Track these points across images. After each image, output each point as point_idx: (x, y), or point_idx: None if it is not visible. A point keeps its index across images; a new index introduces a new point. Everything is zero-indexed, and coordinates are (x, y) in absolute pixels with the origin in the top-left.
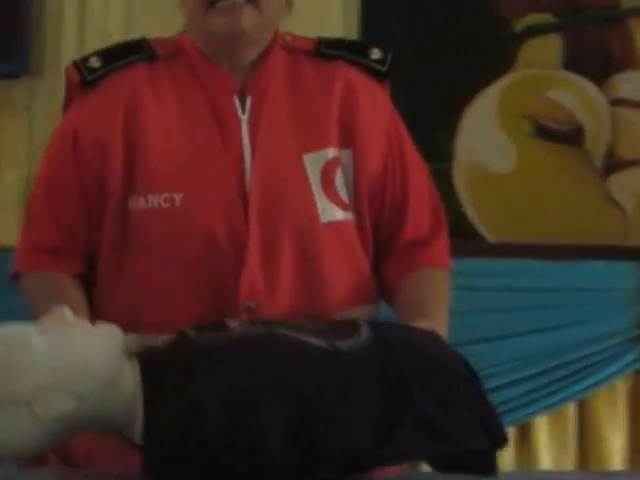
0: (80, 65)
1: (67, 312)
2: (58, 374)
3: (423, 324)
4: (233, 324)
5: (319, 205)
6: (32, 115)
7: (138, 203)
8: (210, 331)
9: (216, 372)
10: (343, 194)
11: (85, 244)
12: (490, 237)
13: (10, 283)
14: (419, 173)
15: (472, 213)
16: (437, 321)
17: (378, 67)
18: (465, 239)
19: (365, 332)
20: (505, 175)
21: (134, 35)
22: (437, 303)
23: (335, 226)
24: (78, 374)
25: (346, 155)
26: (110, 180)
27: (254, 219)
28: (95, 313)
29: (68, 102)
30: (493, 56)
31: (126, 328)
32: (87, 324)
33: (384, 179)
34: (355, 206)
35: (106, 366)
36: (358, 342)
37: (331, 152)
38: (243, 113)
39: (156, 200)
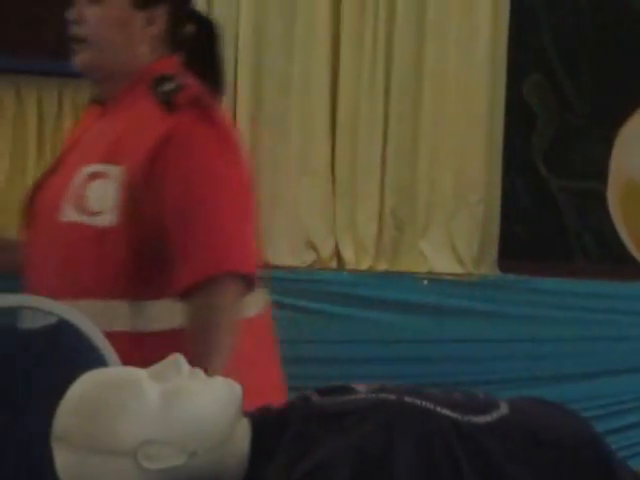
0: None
1: (181, 359)
2: (170, 428)
3: None
4: (360, 387)
5: (64, 207)
6: None
7: None
8: (335, 395)
9: (338, 438)
10: (93, 203)
11: None
12: None
13: None
14: (178, 198)
15: (625, 234)
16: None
17: (166, 100)
18: (618, 262)
19: (504, 410)
20: None
21: (266, 38)
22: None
23: (73, 226)
24: (192, 430)
25: (115, 170)
26: None
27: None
28: None
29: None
30: None
31: None
32: (202, 375)
33: (143, 197)
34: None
35: (222, 424)
36: (492, 419)
37: (95, 167)
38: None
39: None
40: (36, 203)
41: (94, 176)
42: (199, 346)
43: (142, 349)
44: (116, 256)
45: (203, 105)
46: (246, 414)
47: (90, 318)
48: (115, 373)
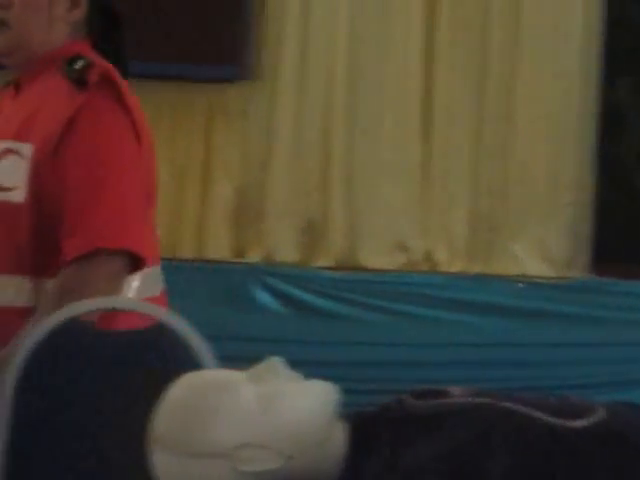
0: None
1: (280, 364)
2: (267, 431)
3: None
4: (455, 392)
5: None
6: (248, 122)
7: None
8: (429, 398)
9: (433, 441)
10: (5, 178)
11: None
12: None
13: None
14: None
15: None
16: None
17: (76, 78)
18: None
19: (600, 415)
20: None
21: (362, 40)
22: None
23: (9, 204)
24: (289, 434)
25: (26, 147)
26: None
27: None
28: None
29: None
30: None
31: None
32: (299, 378)
33: (48, 174)
34: (29, 192)
35: (319, 427)
36: (589, 424)
37: (7, 143)
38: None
39: None
40: None
41: (6, 152)
42: (55, 306)
43: None
44: (23, 232)
45: (113, 83)
46: (341, 417)
47: None
48: (213, 376)
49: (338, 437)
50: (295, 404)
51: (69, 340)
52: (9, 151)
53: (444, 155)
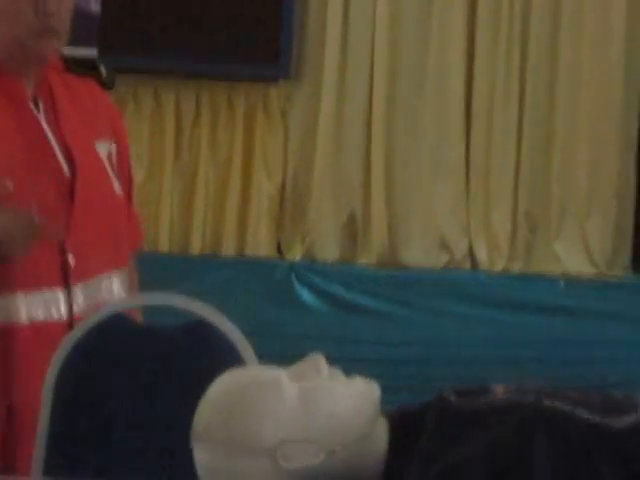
0: None
1: (322, 361)
2: (308, 427)
3: None
4: (498, 389)
5: (113, 182)
6: (288, 120)
7: None
8: (472, 395)
9: (475, 438)
10: (118, 175)
11: None
12: None
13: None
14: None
15: None
16: None
17: (108, 82)
18: None
19: None
20: None
21: (402, 39)
22: None
23: (120, 198)
24: (332, 430)
25: (114, 147)
26: None
27: (79, 193)
28: None
29: None
30: None
31: None
32: (340, 375)
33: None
34: (121, 186)
35: (361, 423)
36: (633, 421)
37: (108, 143)
38: (39, 113)
39: None
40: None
41: (109, 152)
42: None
43: None
44: (122, 225)
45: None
46: (384, 413)
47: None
48: (254, 373)
49: (380, 433)
50: (337, 400)
51: (114, 334)
52: (110, 150)
53: (485, 153)
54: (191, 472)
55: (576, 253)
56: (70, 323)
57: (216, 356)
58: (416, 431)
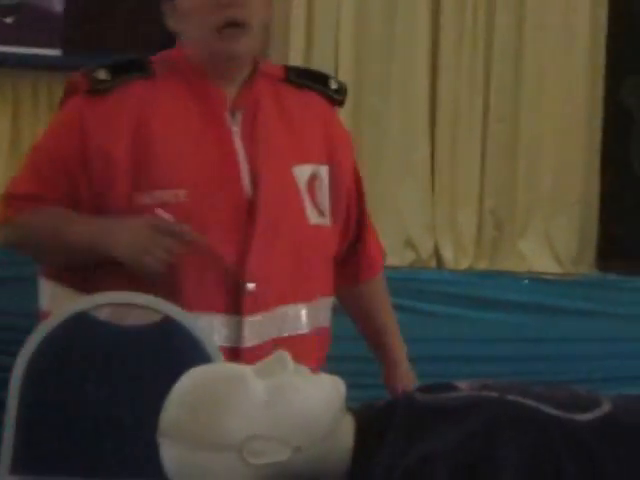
0: (88, 75)
1: (286, 356)
2: (275, 424)
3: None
4: (463, 386)
5: (307, 210)
6: None
7: (144, 199)
8: (437, 392)
9: (441, 434)
10: (320, 203)
11: None
12: None
13: None
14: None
15: None
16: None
17: (337, 97)
18: None
19: (606, 408)
20: None
21: (366, 40)
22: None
23: (316, 228)
24: (297, 426)
25: (324, 170)
26: (114, 183)
27: (261, 215)
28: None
29: (65, 103)
30: None
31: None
32: (308, 372)
33: (352, 194)
34: (332, 215)
35: (327, 420)
36: (598, 416)
37: (313, 166)
38: (234, 125)
39: (164, 195)
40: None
41: (313, 177)
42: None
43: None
44: (331, 254)
45: None
46: (350, 410)
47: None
48: (220, 369)
49: (346, 430)
50: (303, 397)
51: (77, 334)
52: (315, 176)
53: (451, 153)
54: (158, 468)
55: (542, 252)
56: (235, 349)
57: (182, 353)
58: (382, 428)
